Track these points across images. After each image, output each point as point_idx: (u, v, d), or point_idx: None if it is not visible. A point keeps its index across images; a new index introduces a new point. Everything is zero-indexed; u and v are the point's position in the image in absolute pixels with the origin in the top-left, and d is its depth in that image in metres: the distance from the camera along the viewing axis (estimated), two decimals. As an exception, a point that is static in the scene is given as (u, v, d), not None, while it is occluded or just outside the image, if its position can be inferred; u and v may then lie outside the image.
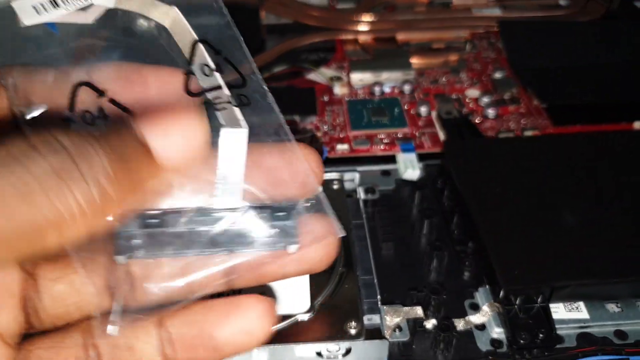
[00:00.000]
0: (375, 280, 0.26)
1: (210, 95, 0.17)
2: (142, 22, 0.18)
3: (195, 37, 0.18)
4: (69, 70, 0.17)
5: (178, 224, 0.18)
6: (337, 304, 0.24)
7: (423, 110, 0.39)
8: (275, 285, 0.25)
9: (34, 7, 0.17)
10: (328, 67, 0.46)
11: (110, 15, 0.18)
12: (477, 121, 0.39)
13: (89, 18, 0.17)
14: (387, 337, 0.24)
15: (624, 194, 0.29)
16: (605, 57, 0.44)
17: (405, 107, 0.40)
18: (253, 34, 0.52)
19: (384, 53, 0.47)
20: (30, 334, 0.17)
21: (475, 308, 0.26)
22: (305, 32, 0.53)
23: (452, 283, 0.28)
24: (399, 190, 0.34)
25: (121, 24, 0.18)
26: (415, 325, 0.25)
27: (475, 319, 0.26)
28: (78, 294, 0.18)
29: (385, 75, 0.43)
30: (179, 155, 0.16)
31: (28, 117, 0.16)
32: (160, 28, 0.18)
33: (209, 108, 0.17)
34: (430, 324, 0.25)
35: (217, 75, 0.18)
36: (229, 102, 0.18)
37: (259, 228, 0.18)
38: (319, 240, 0.18)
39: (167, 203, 0.17)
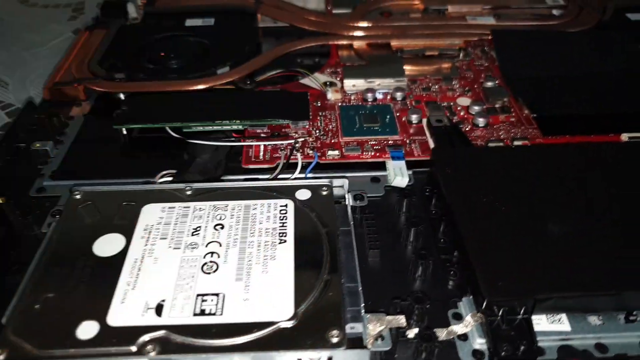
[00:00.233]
0: (360, 288, 0.26)
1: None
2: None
3: None
4: None
5: None
6: (320, 312, 0.24)
7: (414, 117, 0.39)
8: (259, 290, 0.25)
9: None
10: (322, 72, 0.46)
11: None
12: (467, 129, 0.39)
13: None
14: (369, 346, 0.24)
15: (609, 205, 0.29)
16: (596, 66, 0.44)
17: (397, 114, 0.40)
18: (249, 37, 0.52)
19: (377, 59, 0.47)
20: None
21: (459, 318, 0.26)
22: (300, 36, 0.53)
23: (436, 292, 0.27)
24: (387, 197, 0.34)
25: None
26: (398, 334, 0.25)
27: (458, 329, 0.26)
28: None
29: (378, 82, 0.43)
30: None
31: None
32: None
33: None
34: (412, 333, 0.25)
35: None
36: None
37: None
38: None
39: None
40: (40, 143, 0.38)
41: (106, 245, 0.27)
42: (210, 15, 0.55)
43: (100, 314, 0.24)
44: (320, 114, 0.41)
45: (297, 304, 0.24)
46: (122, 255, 0.27)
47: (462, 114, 0.40)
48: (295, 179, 0.34)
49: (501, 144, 0.37)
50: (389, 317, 0.25)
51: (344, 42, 0.50)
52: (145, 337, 0.23)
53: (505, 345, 0.24)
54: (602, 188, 0.30)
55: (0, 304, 0.25)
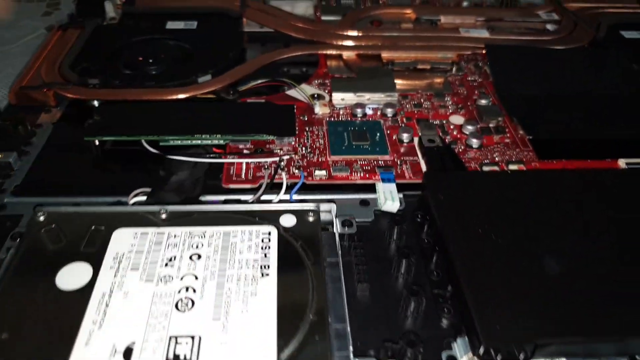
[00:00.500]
0: (348, 329, 0.24)
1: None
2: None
3: None
4: None
5: None
6: (305, 358, 0.22)
7: (405, 136, 0.38)
8: (238, 333, 0.23)
9: None
10: (309, 83, 0.44)
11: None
12: (460, 150, 0.37)
13: None
14: (358, 395, 0.22)
15: (611, 239, 0.28)
16: (593, 86, 0.43)
17: (387, 132, 0.39)
18: (233, 42, 0.50)
19: (367, 72, 0.45)
20: None
21: (453, 361, 0.25)
22: (287, 43, 0.51)
23: (429, 332, 0.26)
24: (377, 223, 0.32)
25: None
26: (389, 381, 0.23)
27: (453, 373, 0.24)
28: None
29: (368, 96, 0.42)
30: None
31: None
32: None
33: None
34: (404, 379, 0.23)
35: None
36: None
37: None
38: None
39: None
40: (2, 154, 0.35)
41: (71, 276, 0.25)
42: (193, 17, 0.53)
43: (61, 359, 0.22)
44: (307, 129, 0.39)
45: (280, 348, 0.22)
46: (88, 288, 0.25)
47: (455, 133, 0.39)
48: (280, 201, 0.33)
49: (496, 167, 0.35)
50: (380, 363, 0.23)
51: (333, 51, 0.49)
52: (110, 387, 0.21)
53: (504, 394, 0.22)
54: (604, 220, 0.29)
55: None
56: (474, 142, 0.37)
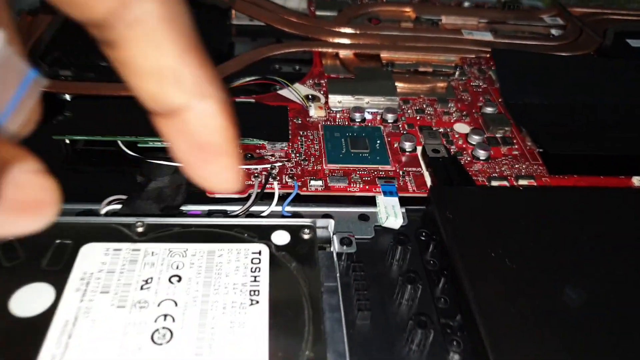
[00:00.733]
0: (348, 366, 0.22)
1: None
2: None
3: None
4: None
5: None
6: (300, 403, 0.19)
7: (408, 145, 0.35)
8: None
9: None
10: (303, 83, 0.41)
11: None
12: (465, 162, 0.35)
13: None
14: None
15: (634, 265, 0.26)
16: (605, 97, 0.41)
17: (388, 140, 0.36)
18: (221, 35, 0.47)
19: (366, 73, 0.42)
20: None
21: (464, 404, 0.22)
22: (279, 38, 0.48)
23: (437, 369, 0.23)
24: (377, 240, 0.30)
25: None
26: None
27: (464, 419, 0.22)
28: None
29: (367, 100, 0.39)
30: None
31: None
32: None
33: None
34: None
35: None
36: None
37: None
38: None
39: None
40: (-42, 152, 0.32)
41: (28, 300, 0.22)
42: (177, 7, 0.49)
43: (11, 403, 0.19)
44: (301, 133, 0.36)
45: (272, 392, 0.20)
46: (48, 314, 0.22)
47: (460, 142, 0.37)
48: (271, 215, 0.30)
49: (505, 182, 0.33)
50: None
51: (329, 49, 0.46)
52: None
53: None
54: (626, 245, 0.27)
55: None
56: (481, 154, 0.35)
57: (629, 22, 0.57)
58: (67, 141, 0.34)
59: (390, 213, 0.30)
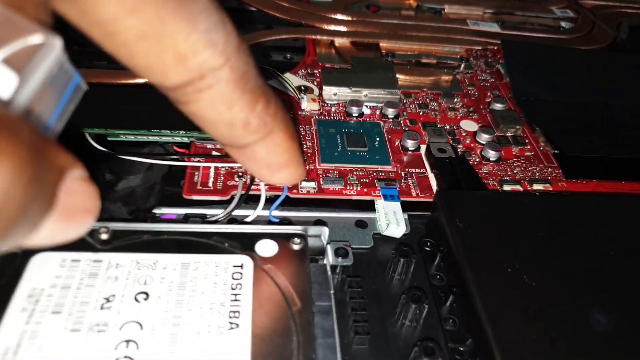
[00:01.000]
0: (344, 405, 0.19)
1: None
2: None
3: None
4: None
5: None
6: None
7: (410, 143, 0.32)
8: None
9: None
10: (295, 72, 0.38)
11: None
12: (474, 163, 0.32)
13: None
14: None
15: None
16: (624, 95, 0.38)
17: (389, 137, 0.33)
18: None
19: (364, 63, 0.39)
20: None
21: None
22: (269, 25, 0.45)
23: (446, 403, 0.21)
24: (377, 251, 0.27)
25: None
26: None
27: None
28: None
29: (365, 92, 0.36)
30: None
31: None
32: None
33: None
34: None
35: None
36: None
37: None
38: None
39: None
40: None
41: (-37, 321, 0.19)
42: (158, -12, 0.46)
43: None
44: (291, 128, 0.33)
45: None
46: (-14, 339, 0.18)
47: (467, 141, 0.34)
48: (256, 221, 0.27)
49: (518, 186, 0.31)
50: None
51: (324, 37, 0.43)
52: None
53: None
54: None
55: None
56: (491, 154, 0.32)
57: (642, 15, 0.55)
58: (27, 133, 0.30)
59: (391, 220, 0.27)
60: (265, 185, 0.28)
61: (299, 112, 0.35)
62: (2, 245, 0.12)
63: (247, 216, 0.27)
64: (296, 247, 0.23)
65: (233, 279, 0.21)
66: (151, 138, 0.31)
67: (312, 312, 0.21)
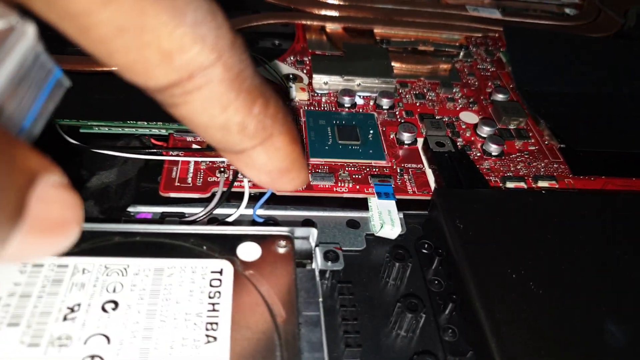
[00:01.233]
0: None
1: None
2: None
3: None
4: None
5: None
6: None
7: (406, 136, 0.31)
8: None
9: None
10: (283, 60, 0.37)
11: None
12: (475, 158, 0.31)
13: None
14: None
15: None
16: (635, 86, 0.37)
17: (383, 129, 0.32)
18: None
19: (357, 50, 0.38)
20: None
21: None
22: (255, 9, 0.43)
23: (444, 423, 0.19)
24: (370, 253, 0.25)
25: None
26: None
27: None
28: None
29: (358, 81, 0.34)
30: None
31: None
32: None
33: None
34: None
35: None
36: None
37: None
38: None
39: None
40: None
41: None
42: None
43: None
44: (278, 120, 0.31)
45: None
46: None
47: (467, 134, 0.33)
48: (238, 220, 0.25)
49: (522, 183, 0.29)
50: None
51: (314, 22, 0.41)
52: None
53: None
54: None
55: None
56: (493, 149, 0.31)
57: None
58: (-9, 124, 0.29)
59: (385, 220, 0.26)
60: (250, 181, 0.27)
61: (287, 103, 0.33)
62: None
63: (229, 215, 0.26)
64: (281, 250, 0.22)
65: (211, 286, 0.20)
66: (127, 130, 0.29)
67: (298, 323, 0.20)
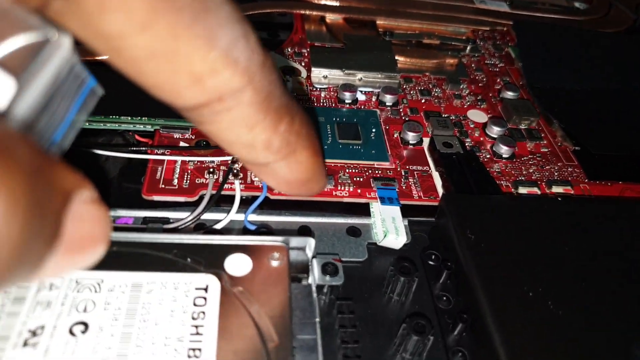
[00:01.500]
0: None
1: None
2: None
3: None
4: None
5: None
6: None
7: (411, 136, 0.28)
8: None
9: None
10: (280, 52, 0.34)
11: None
12: (484, 160, 0.28)
13: None
14: None
15: None
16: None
17: (386, 128, 0.29)
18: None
19: (359, 43, 0.35)
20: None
21: None
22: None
23: None
24: (372, 264, 0.23)
25: None
26: None
27: None
28: None
29: (360, 76, 0.32)
30: None
31: None
32: None
33: None
34: None
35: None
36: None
37: None
38: None
39: None
40: None
41: None
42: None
43: None
44: (274, 116, 0.29)
45: None
46: None
47: (476, 134, 0.30)
48: (227, 228, 0.23)
49: (535, 189, 0.27)
50: None
51: (313, 12, 0.39)
52: None
53: None
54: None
55: None
56: (504, 150, 0.29)
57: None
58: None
59: (389, 228, 0.23)
60: (241, 184, 0.24)
61: (284, 98, 0.31)
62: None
63: (218, 221, 0.23)
64: (275, 263, 0.20)
65: (195, 305, 0.18)
66: (109, 125, 0.27)
67: (292, 348, 0.17)
